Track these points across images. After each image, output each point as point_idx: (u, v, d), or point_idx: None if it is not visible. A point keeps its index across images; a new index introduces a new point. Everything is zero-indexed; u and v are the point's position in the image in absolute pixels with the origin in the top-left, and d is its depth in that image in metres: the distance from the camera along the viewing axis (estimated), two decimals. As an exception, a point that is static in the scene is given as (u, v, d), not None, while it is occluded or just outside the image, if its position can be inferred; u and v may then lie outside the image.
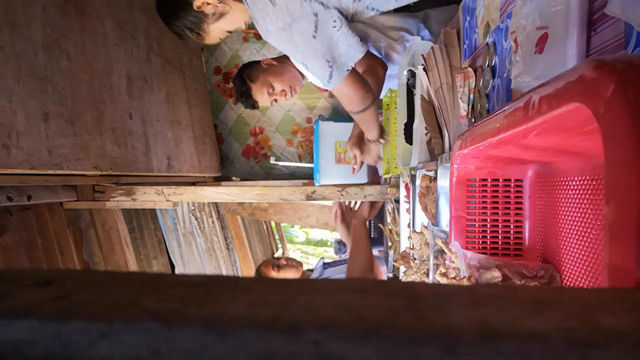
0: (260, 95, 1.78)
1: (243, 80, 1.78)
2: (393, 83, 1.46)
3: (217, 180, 2.40)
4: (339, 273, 2.15)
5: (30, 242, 1.47)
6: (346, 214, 1.87)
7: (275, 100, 1.80)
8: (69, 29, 1.17)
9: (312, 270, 2.30)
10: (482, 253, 0.57)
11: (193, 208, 2.66)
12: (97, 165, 1.27)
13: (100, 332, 0.13)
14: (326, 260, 2.34)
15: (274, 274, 2.08)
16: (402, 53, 1.57)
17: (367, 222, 1.77)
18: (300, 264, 2.21)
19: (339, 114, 2.44)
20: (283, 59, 1.78)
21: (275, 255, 3.95)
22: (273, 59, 1.80)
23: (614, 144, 0.22)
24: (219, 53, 2.47)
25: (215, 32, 1.14)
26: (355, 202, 1.89)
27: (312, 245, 8.04)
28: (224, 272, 2.79)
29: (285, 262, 2.15)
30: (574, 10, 0.43)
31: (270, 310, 0.15)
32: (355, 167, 1.67)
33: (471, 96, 0.80)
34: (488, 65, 0.71)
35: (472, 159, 0.57)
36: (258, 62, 1.80)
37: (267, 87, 1.75)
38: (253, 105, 1.83)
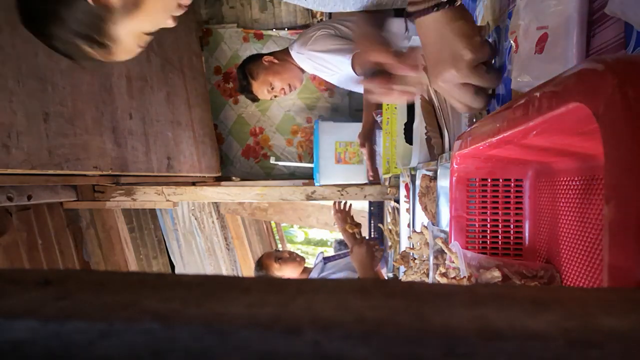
0: (261, 92, 1.85)
1: (245, 74, 1.84)
2: None
3: (217, 180, 2.40)
4: (342, 267, 2.14)
5: (30, 242, 1.47)
6: (345, 221, 1.87)
7: (275, 96, 1.87)
8: (69, 29, 1.17)
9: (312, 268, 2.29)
10: (482, 253, 0.57)
11: (193, 208, 2.66)
12: (97, 165, 1.28)
13: (100, 332, 0.13)
14: (325, 255, 2.33)
15: (277, 266, 2.08)
16: None
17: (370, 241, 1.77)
18: (302, 258, 2.20)
19: (339, 114, 2.44)
20: (284, 56, 1.81)
21: (278, 249, 3.95)
22: (274, 55, 1.82)
23: (614, 144, 0.22)
24: (219, 53, 2.47)
25: (128, 37, 0.72)
26: (345, 203, 1.90)
27: (312, 245, 8.05)
28: (224, 272, 2.79)
29: (287, 256, 2.15)
30: (574, 10, 0.43)
31: (270, 310, 0.15)
32: (367, 162, 1.78)
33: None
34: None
35: (472, 159, 0.57)
36: (260, 56, 1.83)
37: (267, 86, 1.81)
38: (253, 99, 1.91)
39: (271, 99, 1.89)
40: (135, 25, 0.71)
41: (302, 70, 1.85)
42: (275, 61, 1.80)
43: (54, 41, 0.72)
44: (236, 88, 2.02)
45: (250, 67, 1.83)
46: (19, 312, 0.15)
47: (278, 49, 2.36)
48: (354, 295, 0.16)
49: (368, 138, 1.76)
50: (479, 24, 0.77)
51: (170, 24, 0.74)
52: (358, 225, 1.85)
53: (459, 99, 0.54)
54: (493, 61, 0.55)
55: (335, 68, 1.66)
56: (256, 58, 1.86)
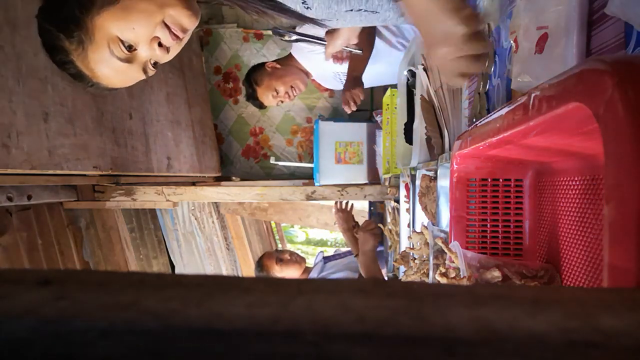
0: (266, 98, 1.87)
1: (250, 83, 1.88)
2: (390, 70, 1.46)
3: (217, 180, 2.39)
4: (341, 267, 2.14)
5: (30, 242, 1.47)
6: (346, 221, 1.87)
7: (282, 101, 1.89)
8: (69, 29, 1.16)
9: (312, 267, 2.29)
10: (482, 253, 0.57)
11: (193, 208, 2.65)
12: (97, 165, 1.27)
13: (100, 332, 0.13)
14: (325, 255, 2.33)
15: (277, 268, 2.08)
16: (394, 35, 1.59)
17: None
18: (303, 259, 2.20)
19: (339, 114, 2.44)
20: (287, 61, 1.83)
21: (279, 248, 3.94)
22: (277, 61, 1.85)
23: (613, 144, 0.22)
24: (219, 53, 2.47)
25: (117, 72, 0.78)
26: (347, 202, 1.89)
27: (312, 245, 8.05)
28: (224, 272, 2.79)
29: (288, 257, 2.14)
30: (574, 10, 0.43)
31: (270, 311, 0.15)
32: (351, 107, 1.68)
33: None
34: (488, 67, 0.71)
35: (472, 159, 0.57)
36: (264, 64, 1.87)
37: (271, 91, 1.86)
38: (260, 105, 1.94)
39: (277, 104, 1.91)
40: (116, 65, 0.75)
41: (307, 74, 1.86)
42: (278, 66, 1.85)
43: (64, 68, 0.78)
44: (244, 96, 2.04)
45: (254, 75, 1.87)
46: (19, 312, 0.15)
47: (278, 49, 2.36)
48: (354, 295, 0.16)
49: (354, 79, 1.63)
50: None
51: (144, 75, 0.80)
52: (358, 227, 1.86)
53: (460, 69, 0.53)
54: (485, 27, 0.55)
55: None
56: (260, 66, 1.90)
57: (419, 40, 1.11)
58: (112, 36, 0.71)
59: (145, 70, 0.79)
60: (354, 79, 1.64)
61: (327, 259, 2.27)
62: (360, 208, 2.52)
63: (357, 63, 1.61)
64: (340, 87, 1.95)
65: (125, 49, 0.72)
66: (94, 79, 0.78)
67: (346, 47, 1.43)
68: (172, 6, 0.71)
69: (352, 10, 0.84)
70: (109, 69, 0.75)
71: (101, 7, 0.70)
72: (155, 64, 0.79)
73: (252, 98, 1.90)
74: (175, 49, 0.77)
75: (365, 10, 0.84)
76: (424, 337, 0.13)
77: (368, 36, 1.55)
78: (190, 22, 0.74)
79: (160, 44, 0.74)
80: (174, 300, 0.16)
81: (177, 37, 0.74)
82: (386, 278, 1.75)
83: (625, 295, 0.18)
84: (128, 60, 0.74)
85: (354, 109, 1.67)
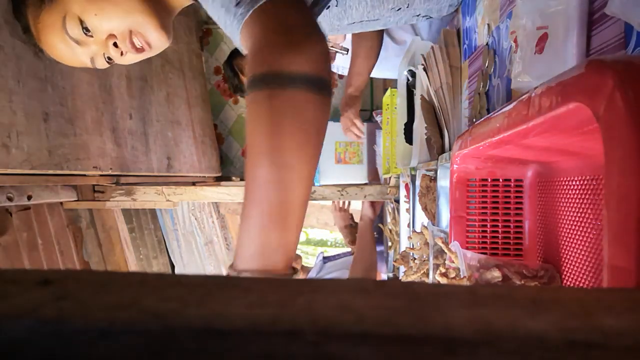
0: None
1: (234, 72, 1.70)
2: (394, 61, 1.41)
3: (217, 180, 2.40)
4: (339, 267, 2.14)
5: (30, 242, 1.47)
6: (344, 219, 1.89)
7: None
8: (69, 29, 1.16)
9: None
10: (482, 253, 0.57)
11: (193, 208, 2.65)
12: (97, 165, 1.27)
13: (100, 332, 0.13)
14: (325, 255, 2.34)
15: None
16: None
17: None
18: (299, 257, 2.21)
19: (338, 114, 2.44)
20: None
21: None
22: None
23: (614, 144, 0.22)
24: (219, 53, 2.47)
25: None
26: (344, 203, 1.91)
27: (312, 245, 8.06)
28: (224, 272, 2.79)
29: None
30: (574, 10, 0.43)
31: (270, 310, 0.15)
32: (356, 133, 1.56)
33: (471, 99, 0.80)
34: (488, 67, 0.71)
35: (472, 159, 0.57)
36: None
37: None
38: None
39: None
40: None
41: None
42: None
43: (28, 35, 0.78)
44: (231, 90, 1.82)
45: (237, 62, 1.68)
46: (19, 312, 0.15)
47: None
48: (354, 295, 0.16)
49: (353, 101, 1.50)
50: (478, 24, 0.77)
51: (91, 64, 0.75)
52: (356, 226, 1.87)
53: None
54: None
55: None
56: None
57: (418, 40, 1.11)
58: (73, 12, 0.68)
59: (93, 60, 0.74)
60: (350, 98, 1.44)
61: (326, 259, 2.28)
62: (361, 208, 2.53)
63: (357, 77, 1.39)
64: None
65: (82, 31, 0.69)
66: (38, 43, 0.75)
67: (332, 47, 1.37)
68: (145, 15, 0.68)
69: (353, 23, 0.85)
70: (54, 39, 0.72)
71: None
72: (110, 60, 0.75)
73: (240, 90, 1.70)
74: (132, 58, 0.74)
75: (367, 20, 0.86)
76: (424, 337, 0.13)
77: (371, 49, 1.34)
78: (157, 39, 0.70)
79: (115, 45, 0.70)
80: (174, 300, 0.16)
81: (136, 48, 0.70)
82: (386, 278, 1.75)
83: (625, 295, 0.18)
84: (77, 42, 0.71)
85: (360, 135, 1.52)
